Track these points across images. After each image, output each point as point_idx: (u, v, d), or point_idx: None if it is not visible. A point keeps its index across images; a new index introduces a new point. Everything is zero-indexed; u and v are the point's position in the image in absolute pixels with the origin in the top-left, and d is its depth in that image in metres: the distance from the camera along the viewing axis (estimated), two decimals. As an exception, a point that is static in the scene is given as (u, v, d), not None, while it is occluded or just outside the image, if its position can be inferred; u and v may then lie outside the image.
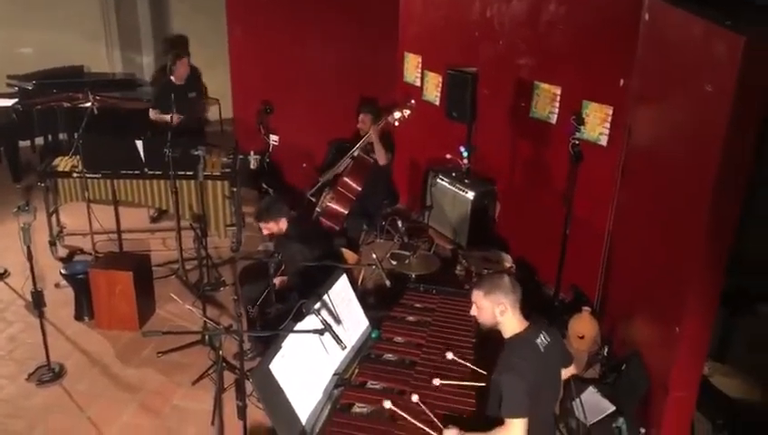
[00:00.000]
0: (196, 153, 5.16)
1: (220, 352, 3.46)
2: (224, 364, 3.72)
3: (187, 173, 5.52)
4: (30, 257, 4.15)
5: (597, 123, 4.75)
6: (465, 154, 5.85)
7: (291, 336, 2.98)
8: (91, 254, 5.82)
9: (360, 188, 6.00)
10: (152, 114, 6.56)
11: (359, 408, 3.10)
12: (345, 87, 6.93)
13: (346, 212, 6.03)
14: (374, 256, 4.07)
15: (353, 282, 3.90)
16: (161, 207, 6.05)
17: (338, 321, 3.32)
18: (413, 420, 2.87)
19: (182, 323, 5.06)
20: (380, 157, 6.03)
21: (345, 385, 3.20)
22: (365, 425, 2.97)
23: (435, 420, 2.91)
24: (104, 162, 5.61)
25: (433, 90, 6.45)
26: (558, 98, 5.11)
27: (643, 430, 3.74)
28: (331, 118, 6.87)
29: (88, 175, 5.59)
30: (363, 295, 4.05)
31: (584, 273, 4.98)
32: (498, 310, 2.90)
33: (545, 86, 5.20)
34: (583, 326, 4.61)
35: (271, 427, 3.79)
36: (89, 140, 5.60)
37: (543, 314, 4.61)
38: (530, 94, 5.34)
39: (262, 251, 6.22)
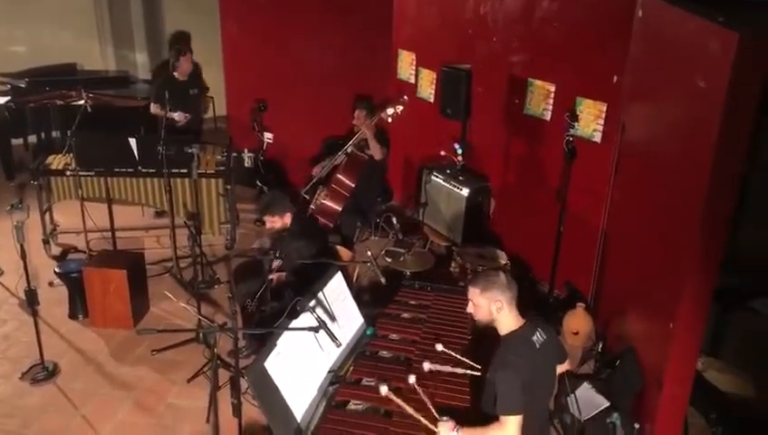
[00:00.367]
0: (190, 151, 5.15)
1: (215, 350, 3.46)
2: (218, 362, 3.72)
3: (181, 171, 5.51)
4: (23, 256, 4.13)
5: (591, 120, 4.76)
6: (460, 151, 5.85)
7: (286, 334, 2.98)
8: (84, 252, 5.80)
9: (353, 185, 6.00)
10: (153, 108, 6.52)
11: (354, 405, 3.10)
12: (339, 84, 6.92)
13: (340, 209, 6.03)
14: (369, 253, 4.06)
15: (348, 279, 3.90)
16: (156, 207, 6.02)
17: (333, 318, 3.32)
18: (409, 410, 2.85)
19: (176, 320, 5.05)
20: (376, 152, 6.05)
21: (340, 382, 3.20)
22: (360, 422, 2.97)
23: (431, 408, 2.90)
24: (98, 160, 5.59)
25: (427, 87, 6.45)
26: (552, 95, 5.12)
27: (637, 426, 3.75)
28: (325, 115, 6.87)
29: (81, 173, 5.57)
30: (358, 293, 4.04)
31: (578, 269, 5.00)
32: (495, 307, 2.91)
33: (539, 83, 5.21)
34: (578, 322, 4.63)
35: (266, 424, 3.80)
36: (82, 137, 5.58)
37: (538, 311, 4.63)
38: (524, 91, 5.35)
39: (256, 248, 6.21)
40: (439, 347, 3.39)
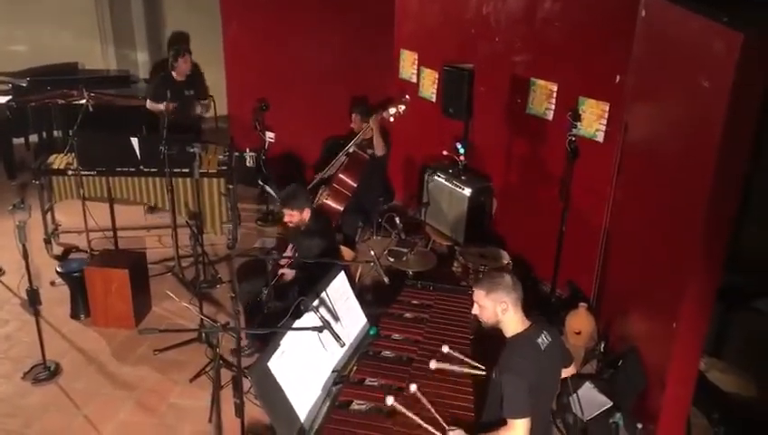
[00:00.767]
0: (192, 150, 5.15)
1: (217, 350, 3.46)
2: (221, 362, 3.71)
3: (183, 170, 5.50)
4: (26, 256, 4.12)
5: (593, 119, 4.76)
6: (462, 151, 5.84)
7: (289, 334, 2.98)
8: (86, 251, 5.80)
9: (355, 185, 5.99)
10: (149, 104, 6.55)
11: (357, 405, 3.09)
12: (339, 83, 6.92)
13: (342, 209, 6.02)
14: (372, 253, 4.06)
15: (350, 279, 3.89)
16: (156, 205, 6.02)
17: (336, 318, 3.32)
18: (417, 419, 2.86)
19: (178, 320, 5.05)
20: (379, 148, 6.04)
21: (343, 382, 3.20)
22: (364, 422, 2.96)
23: (438, 417, 2.90)
24: (99, 159, 5.58)
25: (429, 86, 6.44)
26: (554, 94, 5.12)
27: (640, 426, 3.74)
28: (327, 115, 6.87)
29: (83, 172, 5.56)
30: (360, 292, 4.04)
31: (580, 269, 5.00)
32: (500, 309, 2.91)
33: (541, 82, 5.21)
34: (580, 322, 4.62)
35: (269, 424, 3.80)
36: (84, 137, 5.56)
37: (540, 311, 4.63)
38: (526, 91, 5.34)
39: (258, 248, 6.22)
40: (445, 349, 3.39)
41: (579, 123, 4.65)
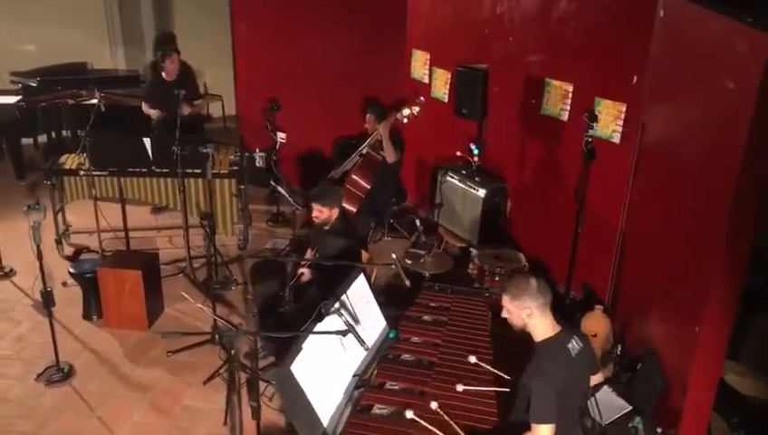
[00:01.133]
0: (205, 151, 5.12)
1: (232, 352, 3.43)
2: (235, 364, 3.68)
3: (195, 171, 5.48)
4: (40, 256, 4.10)
5: (610, 120, 4.72)
6: (476, 151, 5.80)
7: (311, 337, 2.95)
8: (97, 252, 5.78)
9: (369, 186, 5.95)
10: (144, 108, 6.57)
11: (378, 409, 3.07)
12: (350, 84, 6.87)
13: (355, 210, 5.98)
14: (394, 255, 4.03)
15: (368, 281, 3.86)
16: (167, 205, 5.99)
17: (357, 321, 3.28)
18: (438, 432, 2.84)
19: (191, 321, 5.02)
20: (389, 154, 5.98)
21: (365, 386, 3.17)
22: (385, 426, 2.94)
23: (459, 431, 2.88)
24: (111, 160, 5.57)
25: (442, 87, 6.41)
26: (570, 95, 5.08)
27: (660, 430, 3.71)
28: (338, 115, 6.82)
29: (95, 173, 5.54)
30: (377, 294, 4.00)
31: (595, 271, 4.96)
32: (524, 314, 2.88)
33: (557, 83, 5.17)
34: (596, 324, 4.57)
35: (285, 427, 3.79)
36: (96, 137, 5.55)
37: (554, 313, 4.59)
38: (541, 91, 5.30)
39: (269, 249, 6.19)
40: (472, 359, 3.36)
41: (595, 124, 4.60)
